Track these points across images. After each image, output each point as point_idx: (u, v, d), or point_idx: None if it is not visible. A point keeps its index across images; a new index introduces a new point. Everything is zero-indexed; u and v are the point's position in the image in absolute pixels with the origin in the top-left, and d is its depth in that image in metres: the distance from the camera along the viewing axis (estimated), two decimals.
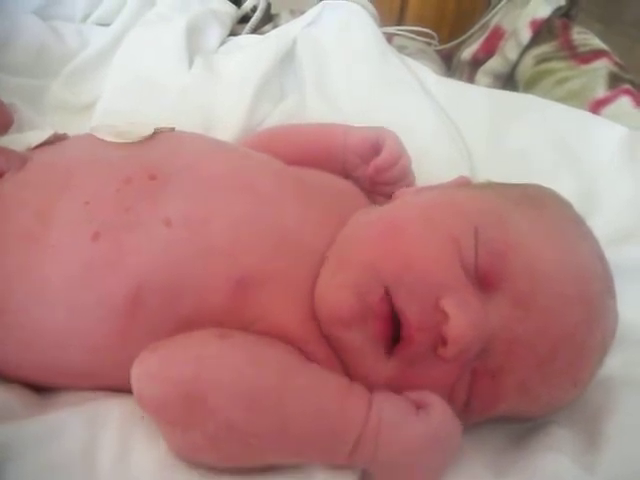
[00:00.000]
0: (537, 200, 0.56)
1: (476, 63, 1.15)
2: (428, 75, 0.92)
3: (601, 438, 0.53)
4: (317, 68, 0.89)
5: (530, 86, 1.04)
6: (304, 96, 0.87)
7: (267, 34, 0.99)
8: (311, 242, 0.56)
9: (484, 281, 0.50)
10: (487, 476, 0.52)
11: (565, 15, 1.10)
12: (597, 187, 0.81)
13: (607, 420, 0.54)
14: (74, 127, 0.72)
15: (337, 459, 0.48)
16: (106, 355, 0.52)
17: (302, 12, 0.99)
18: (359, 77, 0.89)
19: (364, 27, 0.93)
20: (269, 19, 1.13)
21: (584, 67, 1.00)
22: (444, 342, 0.48)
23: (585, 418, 0.56)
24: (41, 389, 0.56)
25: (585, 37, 1.04)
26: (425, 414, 0.48)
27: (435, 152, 0.79)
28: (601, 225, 0.63)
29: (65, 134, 0.66)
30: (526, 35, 1.06)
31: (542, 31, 1.06)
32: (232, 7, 1.09)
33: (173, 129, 0.65)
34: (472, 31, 1.20)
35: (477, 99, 0.91)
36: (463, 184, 0.63)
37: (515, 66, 1.09)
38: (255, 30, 1.09)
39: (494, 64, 1.11)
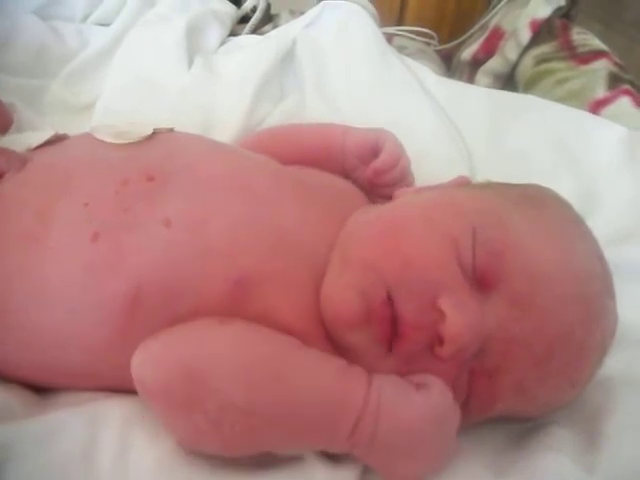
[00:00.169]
0: (537, 200, 0.56)
1: (476, 63, 1.15)
2: (428, 75, 0.93)
3: (601, 438, 0.53)
4: (317, 68, 0.89)
5: (530, 86, 1.05)
6: (304, 96, 0.87)
7: (267, 34, 0.99)
8: (311, 242, 0.56)
9: (482, 281, 0.50)
10: (487, 476, 0.52)
11: (565, 15, 1.11)
12: (597, 187, 0.81)
13: (607, 420, 0.54)
14: (74, 127, 0.72)
15: (337, 440, 0.48)
16: (106, 355, 0.53)
17: (302, 12, 1.00)
18: (359, 77, 0.89)
19: (364, 27, 0.93)
20: (269, 19, 1.13)
21: (584, 67, 1.00)
22: (441, 341, 0.48)
23: (585, 418, 0.56)
24: (41, 389, 0.56)
25: (585, 37, 1.04)
26: (425, 390, 0.48)
27: (435, 152, 0.80)
28: (601, 225, 0.63)
29: (65, 134, 0.66)
30: (526, 35, 1.06)
31: (542, 31, 1.06)
32: (232, 7, 1.09)
33: (172, 129, 0.65)
34: (472, 31, 1.20)
35: (477, 99, 0.91)
36: (463, 184, 0.63)
37: (515, 66, 1.09)
38: (255, 30, 1.09)
39: (494, 64, 1.11)
